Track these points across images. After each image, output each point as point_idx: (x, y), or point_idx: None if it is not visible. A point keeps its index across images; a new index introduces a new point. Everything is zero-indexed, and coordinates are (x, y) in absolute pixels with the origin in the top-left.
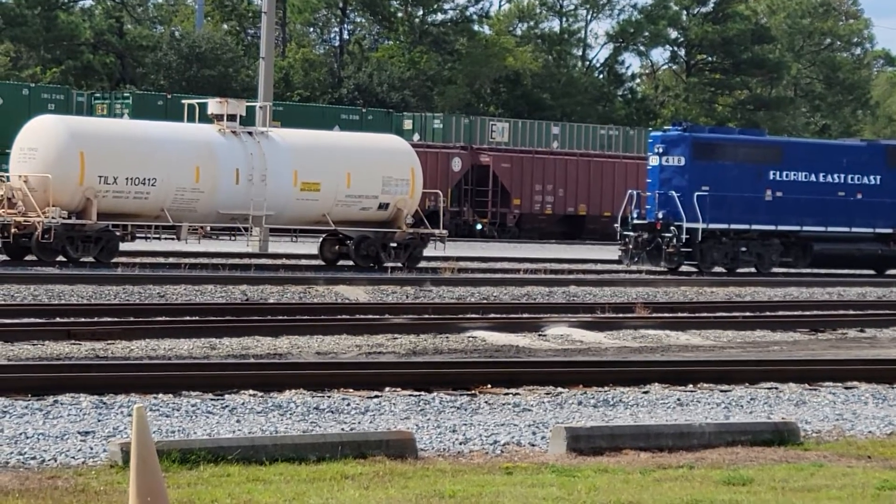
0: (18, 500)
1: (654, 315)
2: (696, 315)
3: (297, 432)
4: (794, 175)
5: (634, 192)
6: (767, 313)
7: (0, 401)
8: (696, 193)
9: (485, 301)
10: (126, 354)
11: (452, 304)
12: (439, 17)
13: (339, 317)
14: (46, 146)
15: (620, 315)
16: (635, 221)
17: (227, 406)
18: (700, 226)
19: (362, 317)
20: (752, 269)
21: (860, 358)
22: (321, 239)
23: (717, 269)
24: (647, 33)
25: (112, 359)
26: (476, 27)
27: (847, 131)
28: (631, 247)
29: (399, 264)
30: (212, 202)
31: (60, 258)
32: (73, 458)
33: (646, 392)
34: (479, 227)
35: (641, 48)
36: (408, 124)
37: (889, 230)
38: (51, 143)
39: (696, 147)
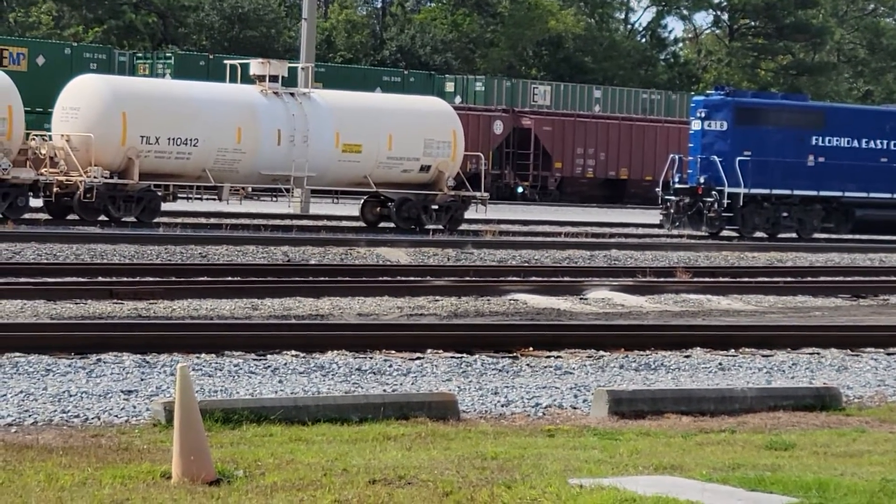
0: (62, 458)
1: (695, 279)
2: (738, 280)
3: (339, 393)
4: (837, 141)
5: (676, 157)
6: (809, 279)
7: (43, 359)
8: (738, 158)
9: (526, 264)
10: (168, 314)
11: (494, 267)
12: None
13: (380, 278)
14: (89, 106)
15: (661, 279)
16: (677, 186)
17: (269, 366)
18: (742, 191)
19: (404, 279)
20: (794, 235)
21: None
22: (362, 201)
23: (759, 234)
24: None
25: (154, 318)
26: None
27: (890, 97)
28: (672, 211)
29: (440, 227)
30: (253, 163)
31: (102, 218)
32: (116, 416)
33: (687, 356)
34: (520, 190)
35: (684, 12)
36: (450, 87)
37: None
38: (93, 102)
39: (738, 112)
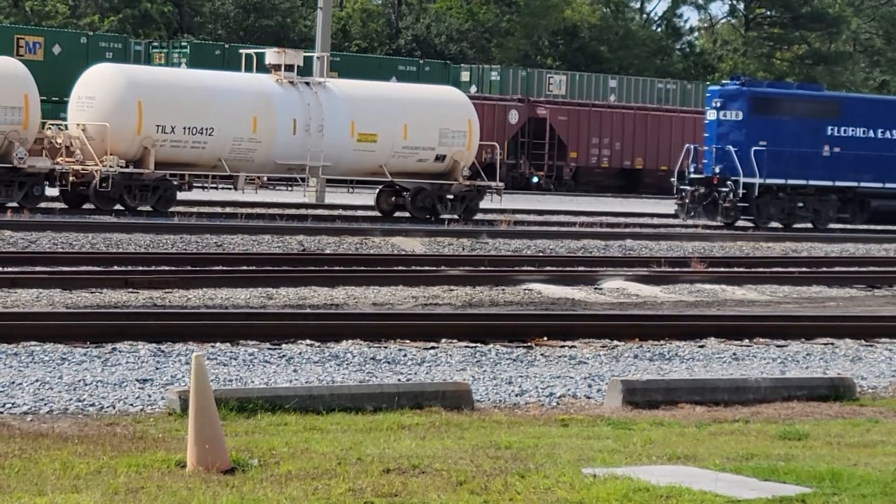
0: (78, 447)
1: (709, 269)
2: (752, 270)
3: (353, 382)
4: (852, 131)
5: (691, 147)
6: (824, 269)
7: (59, 348)
8: (754, 148)
9: (541, 254)
10: (183, 303)
11: (508, 257)
12: None
13: (395, 268)
14: (104, 95)
15: (676, 269)
16: (692, 176)
17: (284, 355)
18: (757, 181)
19: (418, 268)
20: (809, 225)
21: None
22: (378, 190)
23: (774, 224)
24: None
25: (169, 307)
26: None
27: None
28: (687, 201)
29: (455, 216)
30: (269, 152)
31: (118, 207)
32: (131, 405)
33: (702, 346)
34: (535, 179)
35: (700, 1)
36: (465, 76)
37: None
38: (109, 91)
39: (753, 102)
